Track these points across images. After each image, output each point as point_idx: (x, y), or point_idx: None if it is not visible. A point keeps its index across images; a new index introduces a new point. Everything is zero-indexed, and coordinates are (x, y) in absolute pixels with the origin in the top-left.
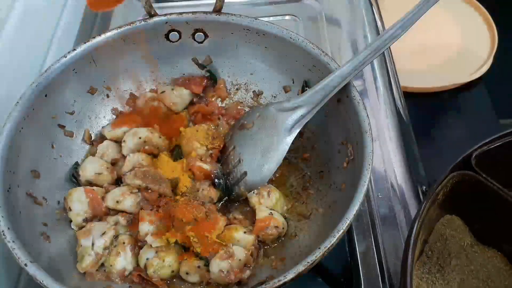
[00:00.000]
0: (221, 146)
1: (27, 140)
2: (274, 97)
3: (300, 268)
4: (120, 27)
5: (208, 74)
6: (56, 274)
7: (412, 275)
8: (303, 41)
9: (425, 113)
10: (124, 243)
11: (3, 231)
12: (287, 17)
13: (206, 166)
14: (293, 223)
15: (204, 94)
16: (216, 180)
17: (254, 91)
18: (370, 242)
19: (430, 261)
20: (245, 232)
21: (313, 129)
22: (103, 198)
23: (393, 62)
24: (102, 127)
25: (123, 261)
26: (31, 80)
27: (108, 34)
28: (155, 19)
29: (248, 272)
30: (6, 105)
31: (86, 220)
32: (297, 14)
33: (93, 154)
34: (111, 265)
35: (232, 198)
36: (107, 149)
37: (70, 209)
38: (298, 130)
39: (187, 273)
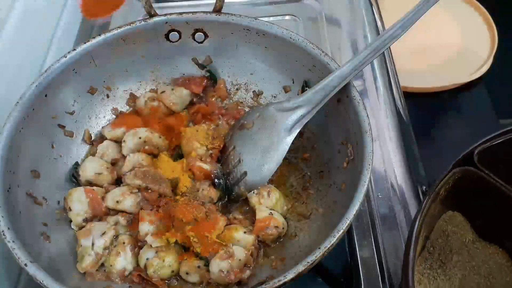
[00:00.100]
0: (221, 146)
1: (27, 140)
2: (274, 97)
3: (300, 268)
4: (120, 27)
5: (208, 74)
6: (56, 274)
7: (413, 270)
8: (303, 41)
9: (425, 113)
10: (124, 243)
11: (3, 231)
12: (287, 17)
13: (206, 166)
14: (293, 223)
15: (204, 94)
16: (216, 180)
17: (254, 91)
18: (370, 242)
19: (431, 257)
20: (245, 232)
21: (313, 129)
22: (103, 198)
23: (393, 62)
24: (102, 127)
25: (123, 261)
26: (31, 80)
27: (108, 34)
28: (155, 19)
29: (248, 272)
30: (6, 105)
31: (86, 220)
32: (297, 14)
33: (93, 154)
34: (111, 265)
35: (232, 198)
36: (107, 149)
37: (70, 209)
38: (298, 130)
39: (187, 273)
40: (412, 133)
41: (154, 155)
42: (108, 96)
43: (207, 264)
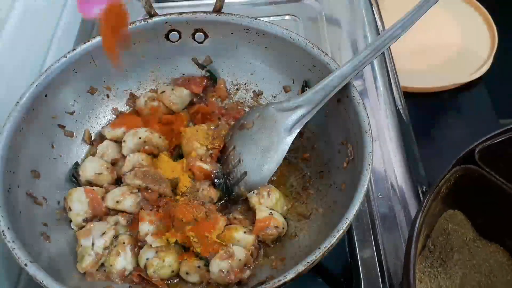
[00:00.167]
0: (221, 146)
1: (27, 140)
2: (274, 97)
3: (300, 268)
4: None
5: (208, 74)
6: (56, 274)
7: (415, 268)
8: (303, 41)
9: (425, 113)
10: (124, 243)
11: (3, 231)
12: (287, 17)
13: (206, 166)
14: (293, 223)
15: (204, 94)
16: (216, 180)
17: (254, 91)
18: (370, 242)
19: (432, 255)
20: (245, 232)
21: (313, 129)
22: (103, 198)
23: (393, 62)
24: (102, 127)
25: (123, 261)
26: (31, 80)
27: None
28: (155, 19)
29: (248, 272)
30: (6, 105)
31: (86, 220)
32: (297, 14)
33: (93, 154)
34: (111, 265)
35: (232, 198)
36: (107, 149)
37: (70, 209)
38: (298, 130)
39: (187, 273)
40: (412, 133)
41: (154, 155)
42: (108, 96)
43: (207, 264)
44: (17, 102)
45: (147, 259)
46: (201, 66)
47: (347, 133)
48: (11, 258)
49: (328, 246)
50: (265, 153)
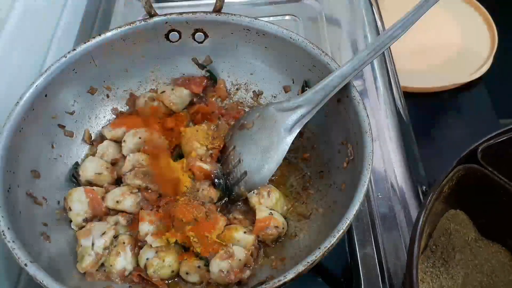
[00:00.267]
0: (221, 146)
1: (27, 140)
2: (274, 97)
3: (300, 268)
4: (120, 27)
5: (208, 74)
6: (56, 274)
7: (417, 267)
8: (303, 41)
9: (425, 113)
10: (124, 243)
11: (3, 231)
12: (287, 17)
13: (206, 166)
14: (293, 223)
15: (204, 94)
16: (216, 180)
17: (254, 91)
18: (370, 242)
19: (434, 255)
20: (245, 232)
21: (313, 129)
22: (103, 198)
23: (393, 62)
24: (102, 127)
25: (123, 261)
26: (31, 80)
27: (108, 34)
28: (155, 19)
29: (248, 272)
30: (6, 105)
31: (86, 220)
32: (297, 14)
33: (93, 154)
34: (111, 265)
35: (232, 198)
36: (107, 149)
37: (70, 209)
38: (298, 130)
39: (187, 273)
40: (412, 133)
41: (154, 155)
42: (108, 96)
43: (207, 264)
44: (17, 102)
45: (147, 259)
46: (201, 66)
47: (347, 133)
48: (11, 258)
49: (328, 246)
50: (265, 153)
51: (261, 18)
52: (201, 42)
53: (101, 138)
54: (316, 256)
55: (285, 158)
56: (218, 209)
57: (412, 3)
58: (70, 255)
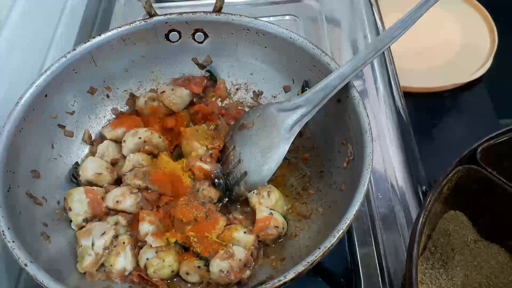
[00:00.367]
0: (221, 146)
1: (27, 140)
2: (274, 97)
3: (300, 268)
4: (120, 27)
5: (208, 74)
6: (56, 274)
7: (417, 267)
8: (303, 41)
9: (425, 113)
10: (124, 243)
11: (3, 231)
12: (287, 17)
13: (206, 166)
14: (293, 223)
15: (204, 94)
16: (216, 180)
17: (254, 91)
18: (370, 242)
19: (433, 256)
20: (245, 232)
21: (313, 129)
22: (103, 198)
23: (393, 62)
24: (102, 127)
25: (123, 261)
26: (31, 80)
27: (108, 34)
28: (155, 19)
29: (248, 272)
30: (6, 105)
31: (86, 220)
32: (297, 14)
33: (93, 154)
34: (111, 265)
35: (232, 198)
36: (107, 149)
37: (70, 209)
38: (298, 130)
39: (187, 273)
40: (412, 133)
41: (154, 155)
42: (108, 96)
43: (207, 264)
44: (17, 102)
45: (147, 259)
46: (201, 66)
47: (347, 133)
48: (11, 258)
49: (328, 246)
50: (265, 153)
51: (261, 18)
52: (201, 42)
53: (101, 138)
54: (316, 256)
55: (285, 158)
56: (218, 209)
57: (412, 3)
58: (70, 255)
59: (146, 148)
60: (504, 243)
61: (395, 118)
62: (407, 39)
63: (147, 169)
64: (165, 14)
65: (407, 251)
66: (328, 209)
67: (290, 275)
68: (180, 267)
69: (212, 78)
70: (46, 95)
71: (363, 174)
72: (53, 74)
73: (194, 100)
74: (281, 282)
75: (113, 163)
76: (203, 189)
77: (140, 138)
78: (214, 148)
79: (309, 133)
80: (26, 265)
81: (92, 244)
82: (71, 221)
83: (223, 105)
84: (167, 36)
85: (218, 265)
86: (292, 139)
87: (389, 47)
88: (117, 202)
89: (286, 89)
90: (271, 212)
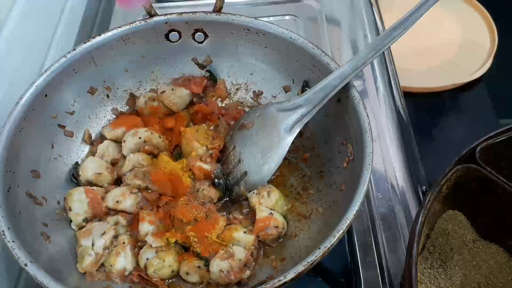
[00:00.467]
0: (221, 146)
1: (27, 140)
2: (274, 97)
3: (300, 268)
4: (120, 27)
5: (208, 74)
6: (56, 274)
7: (417, 266)
8: (303, 41)
9: (425, 113)
10: (124, 243)
11: (3, 231)
12: (287, 17)
13: (206, 166)
14: (293, 223)
15: (204, 94)
16: (216, 180)
17: (254, 91)
18: (370, 242)
19: (432, 256)
20: (245, 232)
21: (313, 129)
22: (103, 198)
23: (393, 62)
24: (102, 127)
25: (123, 261)
26: (31, 80)
27: (108, 34)
28: (155, 19)
29: (248, 272)
30: (6, 105)
31: (86, 220)
32: (297, 14)
33: (93, 154)
34: (111, 265)
35: (232, 198)
36: (107, 149)
37: (70, 209)
38: (298, 130)
39: (187, 273)
40: (412, 133)
41: (154, 155)
42: (108, 96)
43: (207, 264)
44: (17, 102)
45: (147, 259)
46: (201, 66)
47: (347, 133)
48: (11, 258)
49: (328, 246)
50: (265, 153)
51: (261, 18)
52: (201, 42)
53: (101, 138)
54: (316, 256)
55: (285, 158)
56: (218, 209)
57: (412, 3)
58: (70, 255)
59: (146, 148)
60: (503, 243)
61: (395, 118)
62: (407, 39)
63: (147, 169)
64: (165, 14)
65: (406, 251)
66: (328, 209)
67: (290, 275)
68: (180, 267)
69: (212, 78)
70: (46, 95)
71: (363, 174)
72: (53, 74)
73: (194, 100)
74: (281, 282)
75: (113, 163)
76: (203, 189)
77: (140, 138)
78: (214, 148)
79: (309, 133)
80: (26, 265)
81: (92, 244)
82: (71, 221)
83: (223, 105)
84: (167, 36)
85: (218, 265)
86: (292, 139)
87: (389, 47)
88: (117, 202)
89: (286, 89)
90: (271, 212)
